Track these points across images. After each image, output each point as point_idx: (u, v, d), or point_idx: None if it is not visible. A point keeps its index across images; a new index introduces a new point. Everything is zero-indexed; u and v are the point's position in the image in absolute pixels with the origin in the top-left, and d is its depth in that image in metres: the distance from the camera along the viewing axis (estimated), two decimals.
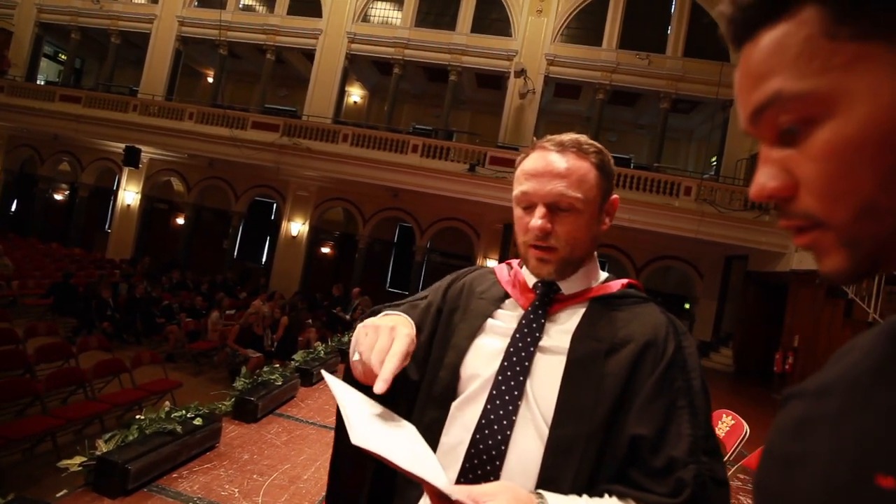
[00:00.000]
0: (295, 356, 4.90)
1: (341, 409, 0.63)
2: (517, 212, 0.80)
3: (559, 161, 0.77)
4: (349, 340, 3.95)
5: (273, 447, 3.13)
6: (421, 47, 12.53)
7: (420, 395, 0.84)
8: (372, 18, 13.18)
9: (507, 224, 11.43)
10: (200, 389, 5.81)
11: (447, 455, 0.76)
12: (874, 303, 6.93)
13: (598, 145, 0.81)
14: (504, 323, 0.82)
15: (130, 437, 2.43)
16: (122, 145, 12.41)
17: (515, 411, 0.73)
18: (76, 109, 12.84)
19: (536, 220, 0.75)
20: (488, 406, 0.74)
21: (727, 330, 11.77)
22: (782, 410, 0.38)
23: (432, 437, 0.77)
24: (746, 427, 2.92)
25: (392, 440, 0.63)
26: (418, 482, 0.58)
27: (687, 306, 12.60)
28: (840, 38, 0.29)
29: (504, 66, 12.09)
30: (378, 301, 10.87)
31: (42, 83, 15.29)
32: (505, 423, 0.72)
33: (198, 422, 2.80)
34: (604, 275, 0.87)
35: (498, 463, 0.71)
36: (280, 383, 3.95)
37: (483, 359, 0.79)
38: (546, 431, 0.71)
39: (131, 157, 12.31)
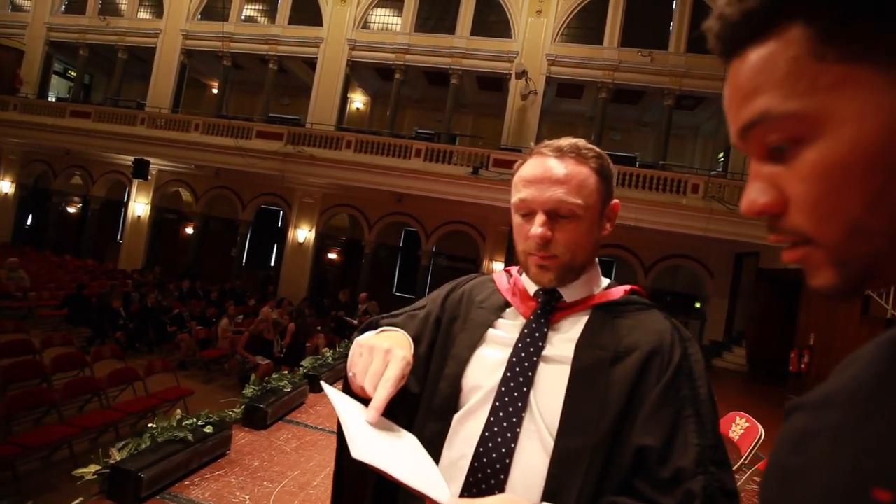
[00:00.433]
0: (303, 362, 4.95)
1: (341, 421, 0.62)
2: (516, 219, 0.79)
3: (558, 167, 0.75)
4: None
5: (283, 454, 3.17)
6: (421, 52, 12.61)
7: (420, 407, 0.82)
8: (372, 25, 13.29)
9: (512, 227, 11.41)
10: (212, 396, 5.88)
11: (450, 468, 0.74)
12: (892, 299, 6.80)
13: (598, 149, 0.80)
14: (505, 333, 0.80)
15: (143, 446, 2.48)
16: (132, 158, 12.62)
17: (519, 423, 0.71)
18: (86, 124, 13.08)
19: (537, 227, 0.73)
20: (491, 418, 0.72)
21: (739, 329, 11.64)
22: (786, 423, 0.38)
23: (434, 451, 0.75)
24: (761, 429, 2.83)
25: (393, 453, 0.62)
26: (420, 496, 0.58)
27: (698, 305, 12.48)
28: (827, 60, 0.29)
29: (505, 67, 12.12)
30: (385, 306, 10.91)
31: (53, 100, 15.61)
32: (509, 435, 0.71)
33: (208, 429, 2.84)
34: (605, 281, 0.85)
35: (502, 476, 0.69)
36: (289, 390, 3.99)
37: (485, 370, 0.77)
38: (551, 443, 0.69)
39: (140, 170, 12.52)
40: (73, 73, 16.52)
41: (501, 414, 0.72)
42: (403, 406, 0.84)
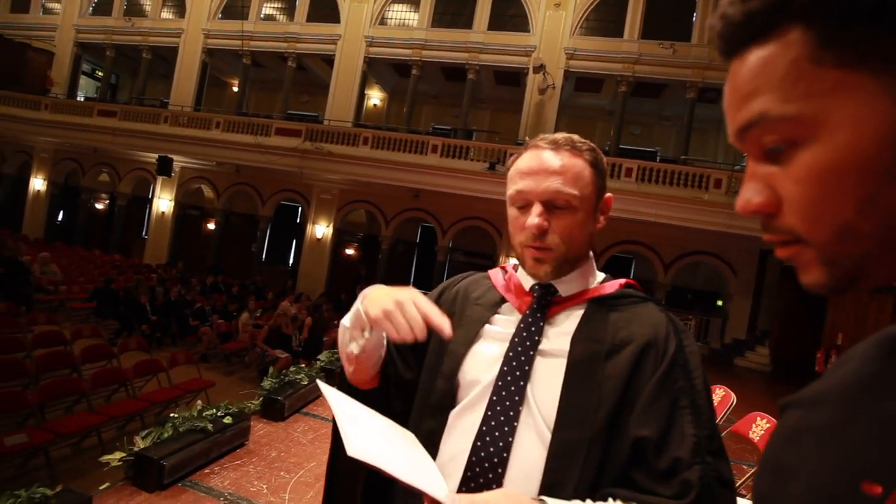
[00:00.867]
0: (320, 356, 5.04)
1: (337, 419, 0.63)
2: (512, 212, 0.80)
3: (553, 159, 0.76)
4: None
5: (299, 445, 3.23)
6: (438, 47, 12.58)
7: (416, 404, 0.84)
8: (389, 21, 13.30)
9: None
10: (232, 388, 6.02)
11: (448, 464, 0.75)
12: None
13: (591, 144, 0.81)
14: (502, 328, 0.81)
15: (165, 435, 2.56)
16: (156, 155, 12.96)
17: (517, 417, 0.72)
18: (113, 123, 13.48)
19: (533, 218, 0.74)
20: (489, 412, 0.73)
21: (763, 327, 11.35)
22: (780, 419, 0.39)
23: (432, 446, 0.76)
24: None
25: (390, 450, 0.63)
26: (418, 493, 0.58)
27: (720, 303, 12.20)
28: (825, 64, 0.29)
29: (522, 62, 12.00)
30: None
31: (82, 99, 16.10)
32: (506, 429, 0.71)
33: (228, 420, 2.92)
34: (601, 275, 0.86)
35: (500, 470, 0.70)
36: (306, 383, 4.07)
37: (482, 365, 0.78)
38: (548, 436, 0.70)
39: (164, 167, 12.84)
40: (100, 73, 17.01)
41: (499, 408, 0.73)
42: (398, 394, 0.86)
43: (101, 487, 2.31)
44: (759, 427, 3.08)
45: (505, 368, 0.75)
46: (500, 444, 0.71)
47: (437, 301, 0.90)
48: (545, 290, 0.81)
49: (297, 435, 3.42)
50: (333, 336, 8.20)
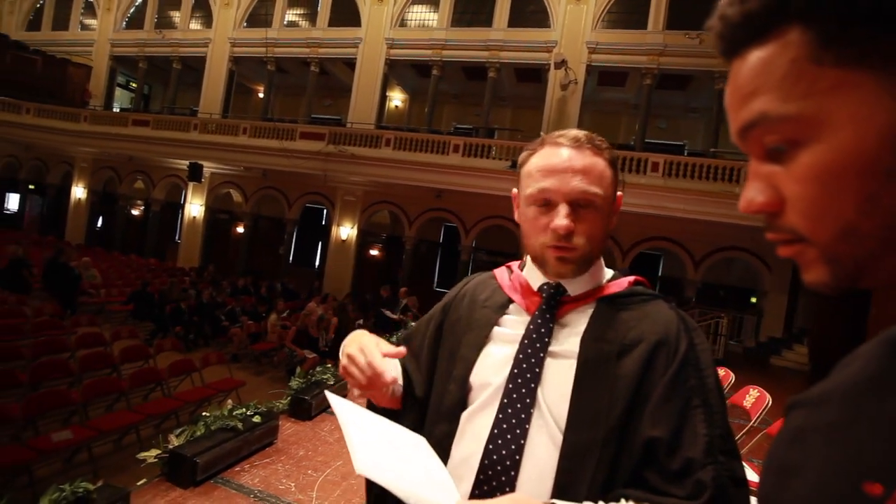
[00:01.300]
0: None
1: (345, 433, 0.64)
2: (530, 211, 0.77)
3: (577, 157, 0.74)
4: (396, 341, 4.06)
5: (326, 444, 3.29)
6: (458, 46, 12.57)
7: (430, 410, 0.84)
8: (409, 23, 13.37)
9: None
10: (262, 388, 6.18)
11: (459, 467, 0.75)
12: None
13: (608, 142, 0.80)
14: (511, 329, 0.81)
15: (198, 433, 2.65)
16: (187, 162, 13.41)
17: (528, 419, 0.72)
18: (146, 132, 14.02)
19: (562, 219, 0.72)
20: (500, 415, 0.73)
21: (801, 325, 10.87)
22: (785, 419, 0.38)
23: (444, 451, 0.77)
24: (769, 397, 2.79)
25: (400, 463, 0.63)
26: None
27: (753, 300, 11.77)
28: (824, 64, 0.29)
29: (543, 58, 11.86)
30: (425, 301, 11.00)
31: (117, 110, 16.82)
32: (518, 431, 0.71)
33: (257, 419, 2.99)
34: (609, 272, 0.85)
35: (513, 473, 0.70)
36: (332, 382, 4.13)
37: (492, 367, 0.78)
38: (560, 438, 0.70)
39: (195, 173, 13.29)
40: (133, 85, 17.73)
41: (510, 411, 0.73)
42: (411, 410, 0.87)
43: (138, 483, 2.40)
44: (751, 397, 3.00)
45: (515, 371, 0.75)
46: (513, 446, 0.71)
47: (446, 307, 0.92)
48: (554, 290, 0.80)
49: (324, 434, 3.48)
50: None
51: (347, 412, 0.68)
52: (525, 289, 0.84)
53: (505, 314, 0.83)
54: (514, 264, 0.91)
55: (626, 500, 0.64)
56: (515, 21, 12.24)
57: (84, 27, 17.26)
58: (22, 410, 3.77)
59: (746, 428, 2.93)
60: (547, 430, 0.71)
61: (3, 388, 4.45)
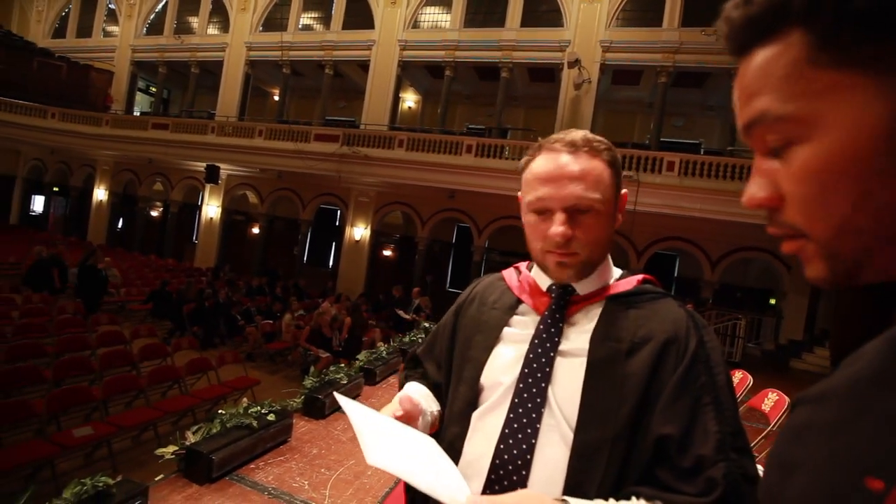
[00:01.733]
0: (359, 356, 5.13)
1: (356, 430, 0.65)
2: (530, 218, 0.78)
3: (573, 162, 0.74)
4: (410, 340, 4.11)
5: (339, 443, 3.31)
6: (471, 47, 12.57)
7: (445, 411, 0.86)
8: (422, 24, 13.42)
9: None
10: (276, 386, 6.25)
11: (471, 466, 0.75)
12: None
13: (607, 142, 0.79)
14: (520, 330, 0.81)
15: (214, 430, 2.69)
16: (204, 164, 13.66)
17: (539, 419, 0.72)
18: (165, 135, 14.32)
19: (557, 227, 0.73)
20: (511, 415, 0.74)
21: (823, 327, 10.59)
22: (789, 416, 0.39)
23: (455, 451, 0.77)
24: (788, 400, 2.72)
25: (409, 458, 0.63)
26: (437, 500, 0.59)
27: (772, 302, 11.51)
28: (821, 66, 0.31)
29: (557, 57, 11.78)
30: (438, 301, 11.00)
31: (138, 114, 17.22)
32: (529, 431, 0.72)
33: (271, 417, 3.03)
34: (617, 271, 0.85)
35: (524, 472, 0.70)
36: (345, 382, 4.16)
37: (502, 368, 0.78)
38: (571, 436, 0.70)
39: (212, 175, 13.53)
40: (153, 89, 18.13)
41: (521, 410, 0.73)
42: None
43: (156, 479, 2.45)
44: (770, 401, 2.93)
45: (526, 370, 0.75)
46: (524, 445, 0.72)
47: (457, 311, 0.93)
48: (563, 290, 0.80)
49: (338, 433, 3.50)
50: (372, 336, 8.36)
51: (357, 412, 0.69)
52: (534, 289, 0.84)
53: (514, 315, 0.84)
54: (523, 265, 0.92)
55: (638, 497, 0.64)
56: (528, 21, 12.19)
57: (106, 34, 17.72)
58: (45, 406, 3.88)
59: (765, 432, 2.87)
60: (558, 428, 0.71)
61: (28, 385, 4.59)
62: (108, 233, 16.88)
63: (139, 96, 18.28)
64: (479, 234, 12.77)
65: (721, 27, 0.36)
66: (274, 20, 14.86)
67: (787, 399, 2.71)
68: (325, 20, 14.52)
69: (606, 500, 0.64)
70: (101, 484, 1.93)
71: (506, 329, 0.82)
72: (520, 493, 0.62)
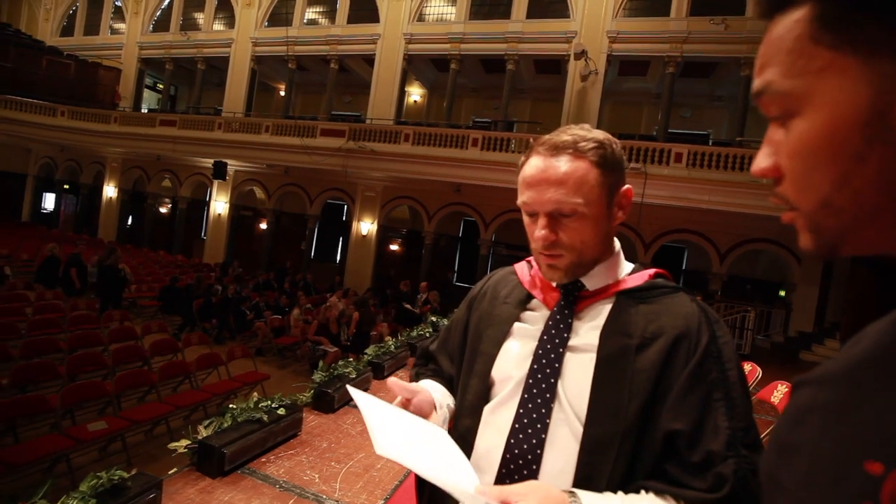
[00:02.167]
0: (367, 350, 5.17)
1: (366, 421, 0.66)
2: (525, 218, 0.79)
3: (554, 167, 0.74)
4: (418, 335, 4.09)
5: (349, 437, 3.34)
6: (476, 40, 12.47)
7: (456, 406, 0.87)
8: (427, 17, 13.33)
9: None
10: (285, 381, 6.32)
11: (482, 459, 0.76)
12: None
13: (599, 138, 0.76)
14: (531, 324, 0.82)
15: (225, 424, 2.73)
16: (212, 160, 13.73)
17: (549, 413, 0.72)
18: (172, 132, 14.40)
19: (540, 230, 0.75)
20: (521, 410, 0.74)
21: (833, 319, 10.49)
22: (791, 398, 0.39)
23: (467, 444, 0.78)
24: None
25: (418, 448, 0.64)
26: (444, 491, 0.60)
27: (782, 294, 11.40)
28: (821, 44, 0.31)
29: (563, 49, 11.67)
30: (445, 295, 10.99)
31: (146, 111, 17.33)
32: (539, 426, 0.72)
33: (281, 411, 3.06)
34: (629, 266, 0.84)
35: (535, 466, 0.71)
36: (354, 376, 4.19)
37: (513, 362, 0.79)
38: (581, 431, 0.70)
39: (219, 171, 13.60)
40: (160, 86, 18.22)
41: (531, 405, 0.74)
42: None
43: (169, 472, 2.49)
44: (780, 393, 2.92)
45: (535, 366, 0.76)
46: (534, 440, 0.72)
47: (470, 306, 0.94)
48: (572, 286, 0.80)
49: (347, 427, 3.53)
50: (380, 330, 8.40)
51: (368, 403, 0.70)
52: (544, 284, 0.84)
53: (526, 310, 0.84)
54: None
55: (647, 491, 0.65)
56: (534, 12, 12.06)
57: (114, 31, 17.80)
58: (60, 401, 3.96)
59: (774, 424, 2.85)
60: (568, 423, 0.72)
61: (43, 380, 4.68)
62: (117, 229, 17.06)
63: (147, 93, 18.37)
64: (486, 228, 12.75)
65: None
66: (279, 15, 14.84)
67: None
68: (330, 14, 14.47)
69: (615, 493, 0.65)
70: (116, 477, 1.97)
71: (516, 324, 0.83)
72: (529, 483, 0.62)
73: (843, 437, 0.31)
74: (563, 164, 0.74)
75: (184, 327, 8.37)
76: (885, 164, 0.30)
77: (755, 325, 9.97)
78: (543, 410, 0.73)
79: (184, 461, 2.58)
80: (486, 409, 0.79)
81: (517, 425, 0.74)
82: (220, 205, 15.21)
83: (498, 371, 0.80)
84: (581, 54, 10.87)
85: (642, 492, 0.65)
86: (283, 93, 16.23)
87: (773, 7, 0.35)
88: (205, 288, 9.23)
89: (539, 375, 0.75)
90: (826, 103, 0.31)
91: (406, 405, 0.76)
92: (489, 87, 14.37)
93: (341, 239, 15.10)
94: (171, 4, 16.54)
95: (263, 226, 15.50)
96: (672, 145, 9.84)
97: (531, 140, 10.88)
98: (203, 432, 2.60)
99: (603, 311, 0.78)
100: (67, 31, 18.64)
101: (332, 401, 3.74)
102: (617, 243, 0.84)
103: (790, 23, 0.33)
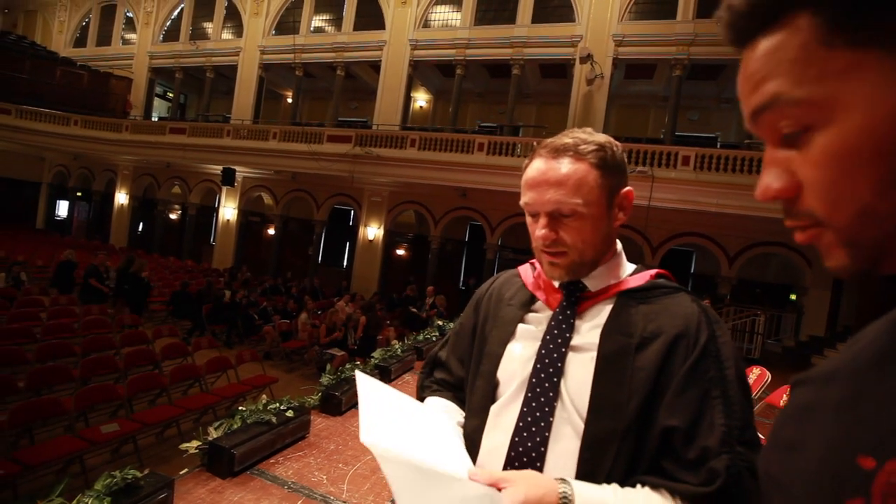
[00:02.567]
0: (374, 354, 5.19)
1: (360, 408, 0.67)
2: (528, 218, 0.82)
3: (554, 168, 0.77)
4: (424, 339, 4.07)
5: (356, 439, 3.36)
6: (482, 45, 12.54)
7: (466, 406, 0.89)
8: (432, 23, 13.43)
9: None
10: (293, 384, 6.36)
11: (487, 457, 0.78)
12: None
13: (600, 141, 0.79)
14: (535, 325, 0.83)
15: (235, 426, 2.76)
16: (220, 167, 13.90)
17: (552, 412, 0.74)
18: (182, 139, 14.61)
19: (540, 230, 0.77)
20: (524, 409, 0.76)
21: (846, 323, 10.33)
22: (790, 397, 0.39)
23: (474, 444, 0.80)
24: None
25: (413, 436, 0.65)
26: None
27: (793, 297, 11.26)
28: (836, 46, 0.30)
29: (568, 53, 11.69)
30: (452, 299, 10.98)
31: (156, 119, 17.60)
32: (542, 424, 0.74)
33: (290, 414, 3.09)
34: (630, 267, 0.86)
35: (539, 464, 0.73)
36: None
37: (517, 363, 0.81)
38: (583, 429, 0.72)
39: (228, 177, 13.77)
40: (170, 95, 18.51)
41: (534, 404, 0.76)
42: None
43: (181, 473, 2.53)
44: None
45: (538, 366, 0.77)
46: (538, 438, 0.74)
47: (476, 310, 0.95)
48: (574, 287, 0.82)
49: (354, 429, 3.55)
50: (387, 334, 8.43)
51: (369, 388, 0.71)
52: (547, 285, 0.86)
53: (530, 311, 0.86)
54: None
55: (643, 486, 0.66)
56: (539, 17, 12.11)
57: (125, 42, 18.14)
58: (74, 404, 4.02)
59: (773, 423, 2.83)
60: (570, 422, 0.73)
61: (58, 383, 4.76)
62: (128, 236, 17.30)
63: (157, 102, 18.67)
64: (492, 232, 12.76)
65: (722, 15, 0.35)
66: (286, 23, 15.04)
67: None
68: (337, 22, 14.64)
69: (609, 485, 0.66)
70: (129, 476, 2.01)
71: (521, 325, 0.85)
72: (521, 471, 0.64)
73: (838, 434, 0.31)
74: (564, 166, 0.76)
75: (193, 331, 8.46)
76: None
77: (765, 329, 9.85)
78: (547, 409, 0.74)
79: (194, 462, 2.61)
80: (493, 409, 0.81)
81: (521, 424, 0.75)
82: (228, 211, 15.37)
83: (503, 371, 0.82)
84: (587, 58, 10.89)
85: (638, 486, 0.66)
86: (290, 100, 16.41)
87: (753, 30, 0.34)
88: (214, 293, 9.32)
89: (542, 375, 0.76)
90: (858, 103, 0.29)
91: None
92: (494, 92, 14.42)
93: (348, 244, 15.18)
94: (180, 14, 16.83)
95: (271, 231, 15.63)
96: (679, 148, 9.81)
97: (535, 144, 10.97)
98: (213, 433, 2.63)
99: (604, 311, 0.80)
100: (80, 42, 19.02)
101: (339, 403, 3.76)
102: (619, 244, 0.85)
103: (786, 35, 0.32)
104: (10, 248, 12.90)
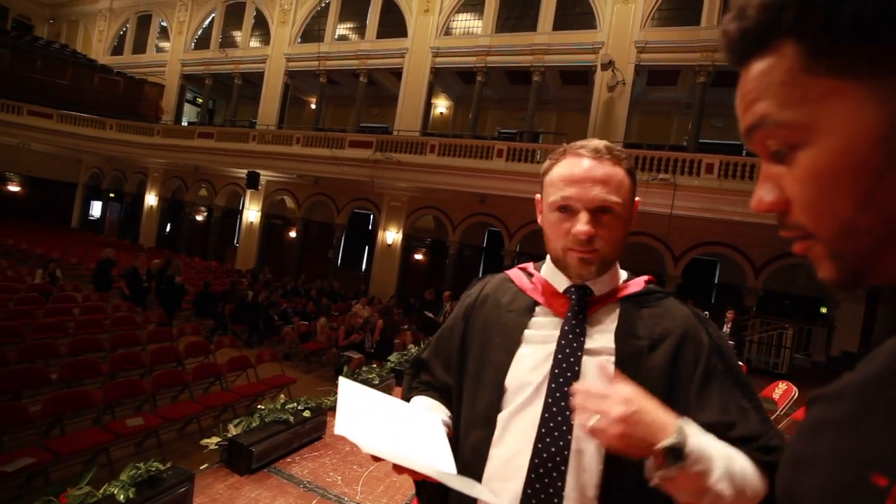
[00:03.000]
0: (390, 357, 5.24)
1: (338, 404, 0.69)
2: (552, 216, 0.82)
3: (598, 167, 0.79)
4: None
5: None
6: (503, 52, 12.58)
7: (462, 418, 0.86)
8: (454, 31, 13.55)
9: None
10: (311, 385, 6.45)
11: (504, 466, 0.77)
12: None
13: (627, 151, 0.85)
14: (541, 331, 0.83)
15: (253, 424, 2.83)
16: (245, 171, 14.27)
17: (573, 416, 0.73)
18: (210, 143, 15.07)
19: (583, 225, 0.77)
20: (546, 414, 0.76)
21: (881, 337, 9.88)
22: (807, 413, 0.39)
23: (479, 456, 0.80)
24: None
25: (394, 433, 0.66)
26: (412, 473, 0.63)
27: (823, 310, 10.87)
28: (816, 73, 0.32)
29: (590, 59, 11.63)
30: None
31: (186, 124, 18.21)
32: (564, 428, 0.74)
33: (307, 414, 3.16)
34: (624, 273, 0.89)
35: (563, 468, 0.73)
36: (377, 382, 4.27)
37: (528, 369, 0.81)
38: None
39: (252, 181, 14.13)
40: (200, 100, 19.14)
41: (555, 409, 0.76)
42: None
43: (201, 467, 2.61)
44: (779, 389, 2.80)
45: (556, 370, 0.78)
46: (561, 442, 0.75)
47: (466, 315, 0.94)
48: (582, 291, 0.83)
49: None
50: (404, 338, 8.48)
51: (352, 391, 0.73)
52: (547, 290, 0.87)
53: (532, 317, 0.86)
54: (530, 266, 0.95)
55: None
56: (561, 24, 12.09)
57: (159, 49, 18.87)
58: (102, 397, 4.18)
59: (790, 440, 2.76)
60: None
61: (87, 377, 4.95)
62: (157, 236, 17.88)
63: (187, 107, 19.32)
64: (510, 239, 12.72)
65: (720, 39, 0.38)
66: (311, 32, 15.40)
67: None
68: (360, 30, 14.91)
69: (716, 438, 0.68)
70: (153, 469, 2.09)
71: (526, 332, 0.84)
72: (628, 387, 0.63)
73: (852, 451, 0.32)
74: (606, 167, 0.80)
75: (216, 330, 8.68)
76: None
77: (794, 343, 9.53)
78: (567, 413, 0.74)
79: (214, 458, 2.69)
80: (503, 417, 0.79)
81: (543, 430, 0.75)
82: (252, 213, 15.75)
83: (512, 379, 0.81)
84: (608, 65, 10.81)
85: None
86: (313, 106, 16.76)
87: (746, 53, 0.36)
88: (238, 293, 9.55)
89: (560, 379, 0.77)
90: (837, 126, 0.31)
91: None
92: (515, 99, 14.43)
93: (367, 248, 15.35)
94: (211, 23, 17.42)
95: (293, 234, 15.94)
96: (703, 156, 9.63)
97: (565, 144, 10.91)
98: (233, 430, 2.71)
99: (612, 315, 0.82)
100: (118, 50, 19.87)
101: None
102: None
103: (774, 60, 0.34)
104: (47, 245, 13.50)
